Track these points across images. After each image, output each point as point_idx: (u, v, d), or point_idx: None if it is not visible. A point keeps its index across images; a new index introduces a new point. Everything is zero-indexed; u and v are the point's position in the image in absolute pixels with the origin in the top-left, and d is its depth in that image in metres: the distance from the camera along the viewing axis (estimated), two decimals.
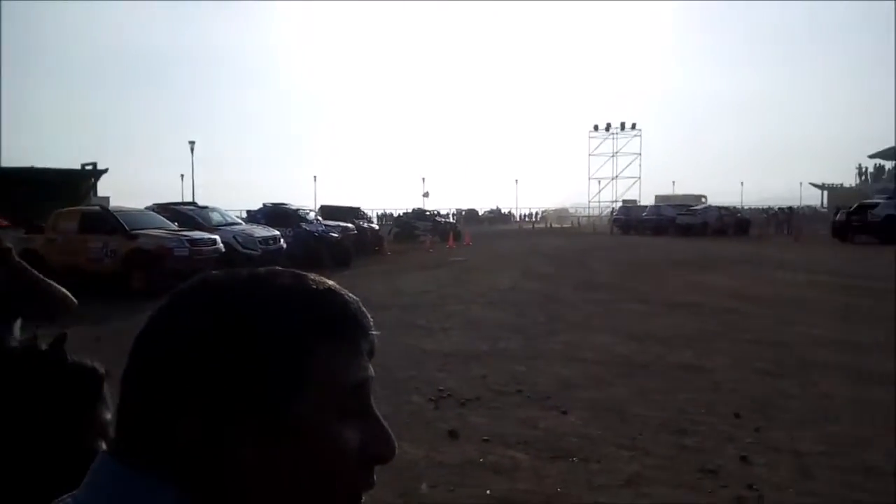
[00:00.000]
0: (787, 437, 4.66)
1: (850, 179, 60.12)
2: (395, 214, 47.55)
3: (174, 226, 14.22)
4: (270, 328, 0.51)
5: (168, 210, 16.50)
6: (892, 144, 56.55)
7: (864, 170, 59.35)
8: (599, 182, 69.07)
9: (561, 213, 76.11)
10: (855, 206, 28.87)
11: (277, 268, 0.58)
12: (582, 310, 10.60)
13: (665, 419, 5.08)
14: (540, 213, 75.06)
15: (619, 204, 54.42)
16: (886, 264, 18.30)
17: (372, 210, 58.92)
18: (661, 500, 3.74)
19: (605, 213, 59.32)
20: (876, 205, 27.65)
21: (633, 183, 67.57)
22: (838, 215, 29.52)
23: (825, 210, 46.18)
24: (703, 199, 68.51)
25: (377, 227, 29.04)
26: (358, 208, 28.73)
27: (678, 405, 5.42)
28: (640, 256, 22.58)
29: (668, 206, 42.23)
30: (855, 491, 3.80)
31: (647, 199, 56.78)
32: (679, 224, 36.37)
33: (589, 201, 70.04)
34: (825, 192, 60.32)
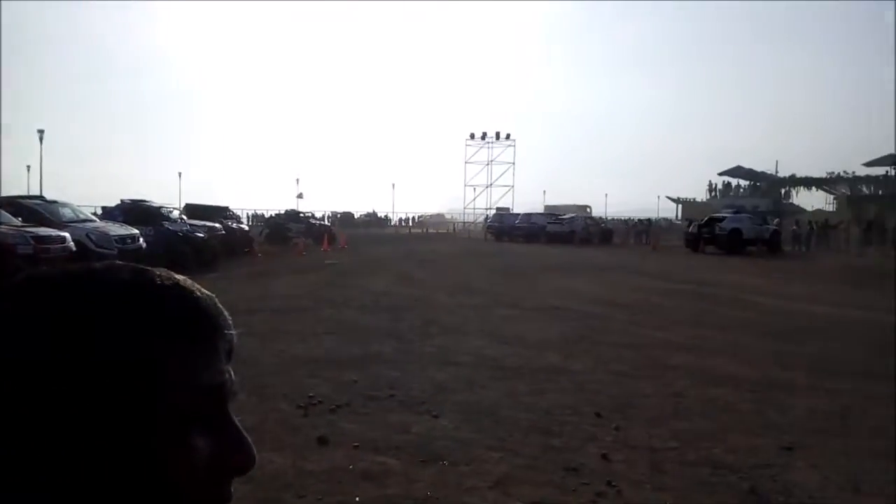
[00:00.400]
0: (643, 435, 4.92)
1: (701, 194, 65.20)
2: (267, 215, 46.24)
3: (17, 221, 13.04)
4: (108, 329, 0.45)
5: (12, 204, 15.09)
6: (738, 164, 62.07)
7: (713, 186, 64.55)
8: (475, 189, 70.65)
9: (437, 219, 77.06)
10: (705, 219, 31.35)
11: (117, 262, 0.51)
12: (456, 314, 10.73)
13: (533, 420, 5.22)
14: (417, 217, 75.65)
15: (493, 211, 55.90)
16: (732, 273, 20.01)
17: (242, 210, 56.80)
18: (527, 499, 3.82)
19: (479, 219, 60.70)
20: (723, 218, 30.18)
21: (507, 191, 69.68)
22: (690, 227, 31.95)
23: (679, 222, 49.73)
24: (588, 209, 72.18)
25: (247, 228, 28.10)
26: (226, 208, 27.62)
27: (545, 406, 5.60)
28: (512, 262, 23.27)
29: (539, 214, 43.88)
30: (703, 484, 4.07)
31: (520, 208, 58.60)
32: (549, 232, 37.91)
33: (465, 208, 71.47)
34: (679, 206, 65.09)
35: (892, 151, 56.38)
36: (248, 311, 9.73)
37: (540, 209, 54.54)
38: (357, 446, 4.54)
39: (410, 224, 70.63)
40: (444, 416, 5.28)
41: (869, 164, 57.21)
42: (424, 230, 59.85)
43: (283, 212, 38.13)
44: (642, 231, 41.74)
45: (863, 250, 30.97)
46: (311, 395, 5.70)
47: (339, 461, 4.29)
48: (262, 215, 52.78)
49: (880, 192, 56.01)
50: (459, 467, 4.25)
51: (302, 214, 35.81)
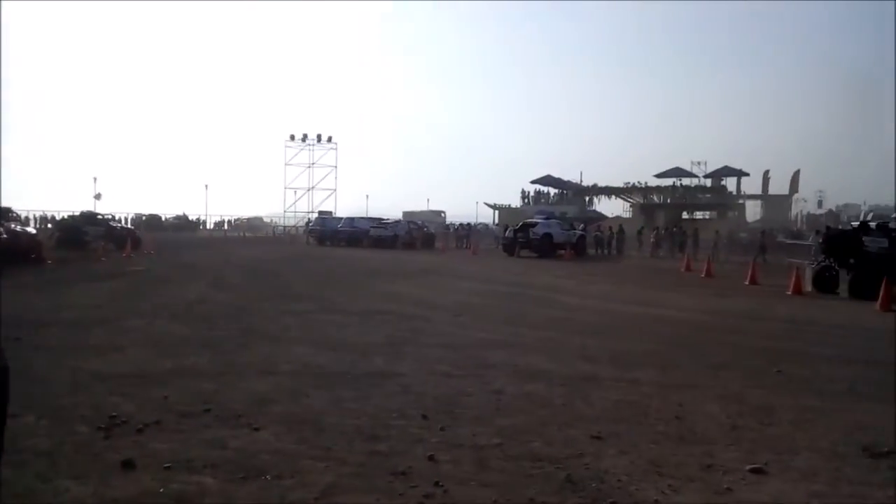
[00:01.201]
0: (468, 434, 5.02)
1: (516, 201, 68.84)
2: (59, 217, 41.78)
3: None
4: None
5: None
6: (548, 174, 66.40)
7: (526, 194, 68.46)
8: (296, 192, 69.05)
9: (256, 222, 74.14)
10: (520, 224, 33.13)
11: None
12: (277, 321, 10.34)
13: (359, 426, 5.13)
14: (233, 220, 72.29)
15: (315, 215, 54.94)
16: (544, 275, 21.26)
17: (28, 212, 51.01)
18: None
19: (301, 223, 59.33)
20: (536, 224, 32.08)
21: (329, 195, 68.89)
22: (507, 232, 33.59)
23: (496, 227, 52.03)
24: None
25: (34, 232, 25.12)
26: (8, 209, 24.52)
27: (371, 411, 5.53)
28: (334, 267, 22.99)
29: (362, 218, 43.77)
30: (525, 477, 4.22)
31: (343, 211, 58.20)
32: (372, 236, 37.95)
33: (285, 211, 69.52)
34: (496, 212, 68.28)
35: (678, 166, 63.80)
36: (38, 323, 8.66)
37: (364, 213, 54.48)
38: (168, 467, 4.17)
39: (226, 228, 67.36)
40: (266, 428, 5.03)
41: (659, 176, 64.05)
42: (242, 234, 57.40)
43: (77, 214, 34.53)
44: (463, 236, 43.17)
45: (655, 252, 34.43)
46: (113, 414, 5.17)
47: (148, 485, 3.91)
48: (53, 217, 47.58)
49: (668, 201, 62.92)
50: (283, 481, 4.06)
51: (100, 216, 32.63)
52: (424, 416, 5.40)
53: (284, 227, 63.10)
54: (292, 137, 67.51)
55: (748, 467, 4.47)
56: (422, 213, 70.97)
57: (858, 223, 19.89)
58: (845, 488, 4.20)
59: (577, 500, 3.93)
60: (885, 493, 4.12)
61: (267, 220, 75.86)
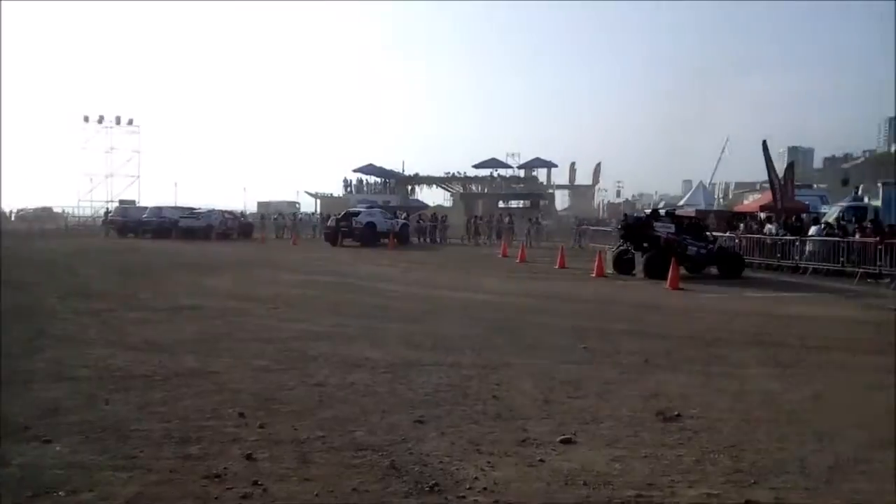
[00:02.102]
0: (289, 429, 4.85)
1: (338, 190, 68.09)
2: None
3: None
4: None
5: None
6: (370, 163, 66.38)
7: (349, 182, 67.96)
8: (92, 179, 63.07)
9: (44, 213, 66.59)
10: (343, 213, 32.80)
11: None
12: (72, 322, 9.35)
13: (168, 430, 4.75)
14: (16, 211, 64.50)
15: (115, 204, 50.53)
16: (368, 264, 21.24)
17: None
18: None
19: (99, 213, 54.27)
20: (359, 213, 31.93)
21: (133, 182, 63.72)
22: (329, 221, 33.08)
23: (316, 216, 50.99)
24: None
25: None
26: None
27: (182, 413, 5.16)
28: (139, 261, 21.32)
29: (171, 208, 40.96)
30: (348, 467, 4.15)
31: (148, 200, 54.13)
32: (182, 227, 35.66)
33: (79, 200, 63.28)
34: (318, 200, 67.12)
35: (495, 157, 66.68)
36: None
37: (173, 202, 50.98)
38: None
39: (12, 219, 59.94)
40: (58, 440, 4.50)
41: (477, 167, 66.59)
42: (28, 226, 51.37)
43: None
44: (283, 226, 41.89)
45: (475, 240, 35.73)
46: None
47: None
48: None
49: (486, 191, 65.66)
50: (80, 496, 3.66)
51: None
52: (241, 415, 5.14)
53: (79, 217, 57.40)
54: (86, 119, 61.56)
55: (559, 438, 4.74)
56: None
57: (650, 211, 22.07)
58: (642, 450, 4.59)
59: (401, 485, 3.93)
60: (675, 452, 4.56)
61: (58, 210, 68.43)
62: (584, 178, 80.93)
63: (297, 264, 20.76)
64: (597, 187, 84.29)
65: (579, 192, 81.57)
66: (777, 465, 4.37)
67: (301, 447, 4.49)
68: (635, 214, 23.59)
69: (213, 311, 10.54)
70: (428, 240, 36.12)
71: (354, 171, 66.19)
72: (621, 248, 19.02)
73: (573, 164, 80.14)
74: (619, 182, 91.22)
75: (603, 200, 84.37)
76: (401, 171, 69.58)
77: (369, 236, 30.45)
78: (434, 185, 69.58)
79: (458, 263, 22.63)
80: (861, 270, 17.28)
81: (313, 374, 6.48)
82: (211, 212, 39.46)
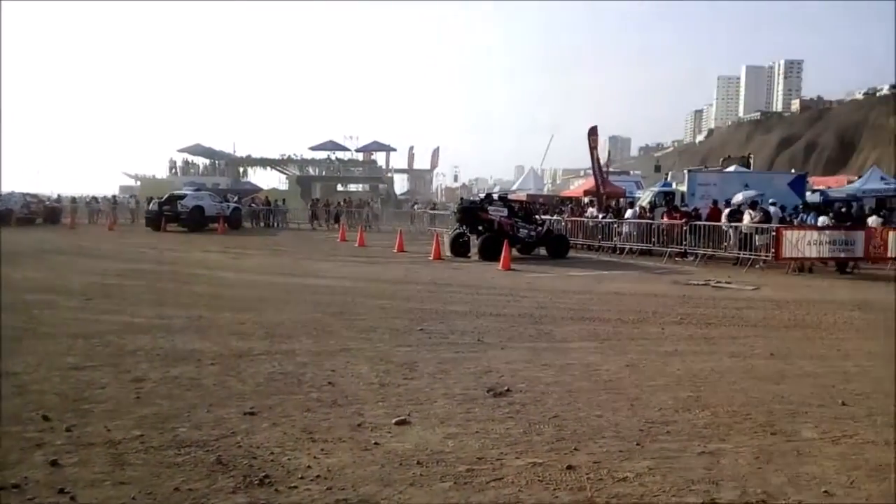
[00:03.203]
0: (101, 430, 4.44)
1: (162, 171, 63.60)
2: None
3: None
4: None
5: None
6: (198, 143, 62.60)
7: (174, 164, 63.70)
8: None
9: None
10: (166, 196, 30.64)
11: None
12: None
13: None
14: None
15: None
16: (195, 250, 20.10)
17: None
18: None
19: None
20: (185, 196, 30.00)
21: None
22: (150, 205, 30.79)
23: (129, 199, 47.13)
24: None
25: None
26: None
27: None
28: None
29: None
30: (169, 466, 3.88)
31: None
32: None
33: None
34: (139, 183, 62.38)
35: (332, 139, 65.54)
36: None
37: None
38: None
39: None
40: None
41: (314, 149, 65.06)
42: None
43: None
44: (97, 210, 38.42)
45: (313, 225, 35.02)
46: None
47: None
48: None
49: (323, 174, 64.46)
50: None
51: None
52: (46, 418, 4.64)
53: None
54: None
55: (394, 420, 4.76)
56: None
57: (485, 195, 22.87)
58: (474, 426, 4.72)
59: (228, 480, 3.74)
60: (504, 426, 4.73)
61: None
62: (422, 163, 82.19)
63: (114, 252, 19.20)
64: (435, 171, 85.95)
65: (418, 176, 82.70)
66: (595, 431, 4.68)
67: (115, 449, 4.13)
68: (471, 199, 24.32)
69: (10, 305, 9.42)
70: (262, 224, 34.87)
71: (180, 151, 62.25)
72: (458, 231, 19.52)
73: (412, 147, 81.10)
74: (456, 167, 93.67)
75: (441, 184, 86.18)
76: (231, 152, 66.53)
77: (196, 221, 28.77)
78: (268, 168, 67.31)
79: (295, 249, 22.09)
80: (669, 250, 19.06)
81: (131, 370, 6.00)
82: (11, 195, 35.36)
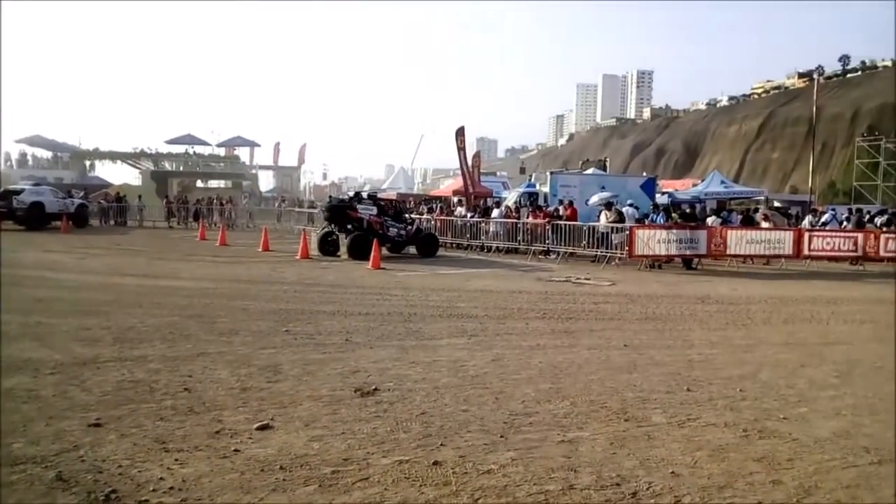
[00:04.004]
0: None
1: None
2: None
3: None
4: None
5: None
6: (38, 133, 57.40)
7: (9, 156, 58.02)
8: None
9: None
10: (0, 191, 27.80)
11: None
12: None
13: None
14: None
15: None
16: (33, 250, 18.39)
17: None
18: None
19: None
20: (22, 191, 27.37)
21: None
22: None
23: None
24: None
25: None
26: None
27: None
28: None
29: None
30: (4, 486, 3.49)
31: None
32: None
33: None
34: None
35: (191, 133, 62.20)
36: None
37: None
38: None
39: None
40: None
41: (170, 142, 61.48)
42: None
43: None
44: None
45: (170, 223, 33.12)
46: None
47: None
48: None
49: (181, 169, 61.00)
50: None
51: None
52: None
53: None
54: None
55: (256, 425, 4.57)
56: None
57: (354, 193, 22.63)
58: (340, 427, 4.63)
59: (70, 497, 3.44)
60: (371, 426, 4.68)
61: None
62: (289, 160, 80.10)
63: None
64: (303, 169, 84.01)
65: (285, 173, 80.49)
66: (461, 426, 4.73)
67: None
68: (340, 197, 24.01)
69: None
70: (113, 222, 32.53)
71: (17, 142, 56.80)
72: (326, 230, 19.19)
73: (278, 144, 78.76)
74: (325, 164, 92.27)
75: (309, 182, 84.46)
76: (76, 145, 61.64)
77: (35, 218, 26.28)
78: (119, 161, 62.88)
79: (149, 248, 20.79)
80: (533, 248, 19.78)
81: None
82: None
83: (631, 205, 20.22)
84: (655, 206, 22.45)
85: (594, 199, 21.42)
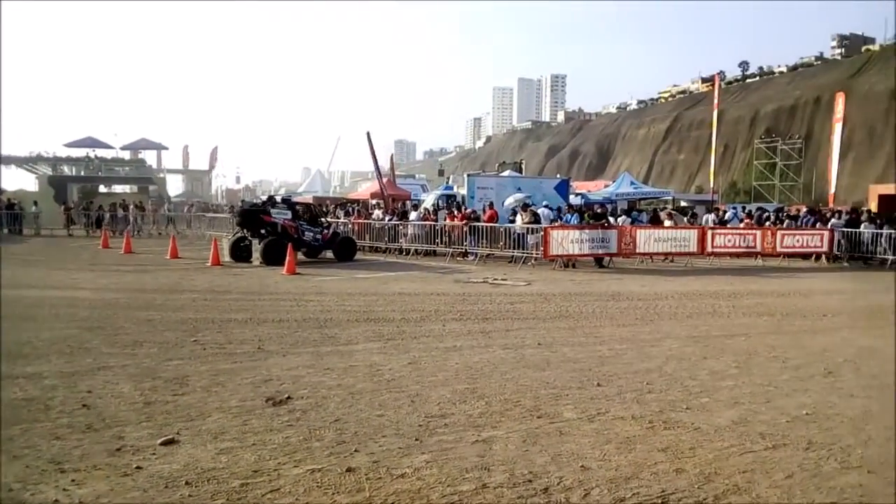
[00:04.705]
0: None
1: None
2: None
3: None
4: None
5: None
6: None
7: None
8: None
9: None
10: None
11: None
12: None
13: None
14: None
15: None
16: None
17: None
18: None
19: None
20: None
21: None
22: None
23: None
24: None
25: None
26: None
27: None
28: None
29: None
30: None
31: None
32: None
33: None
34: None
35: (91, 135, 59.15)
36: None
37: None
38: None
39: None
40: None
41: (70, 146, 58.33)
42: None
43: None
44: None
45: (69, 230, 31.37)
46: None
47: None
48: None
49: (82, 173, 57.94)
50: None
51: None
52: None
53: None
54: None
55: (160, 441, 4.38)
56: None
57: (267, 197, 22.12)
58: (251, 439, 4.50)
59: None
60: (283, 435, 4.57)
61: None
62: (200, 163, 77.57)
63: None
64: (214, 172, 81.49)
65: (195, 178, 77.88)
66: (376, 431, 4.69)
67: None
68: (253, 201, 23.44)
69: None
70: (6, 231, 30.52)
71: None
72: (238, 235, 18.67)
73: (186, 146, 76.27)
74: (238, 168, 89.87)
75: (221, 186, 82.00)
76: None
77: None
78: (13, 166, 59.23)
79: (47, 258, 19.67)
80: (452, 250, 19.90)
81: None
82: None
83: (546, 206, 20.67)
84: (569, 206, 23.05)
85: (510, 200, 21.79)
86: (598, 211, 21.74)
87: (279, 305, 10.60)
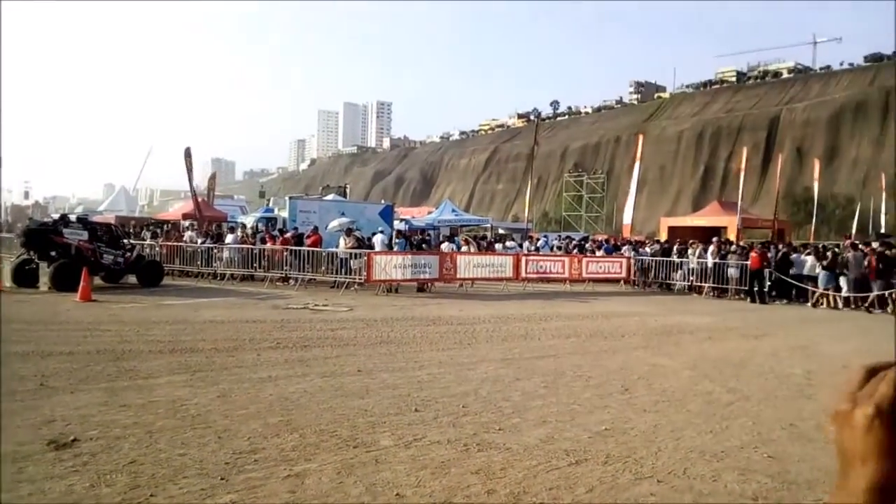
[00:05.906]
0: None
1: None
2: None
3: None
4: None
5: None
6: None
7: None
8: None
9: None
10: None
11: None
12: None
13: None
14: None
15: None
16: None
17: None
18: None
19: None
20: None
21: None
22: None
23: None
24: None
25: None
26: None
27: None
28: None
29: None
30: None
31: None
32: None
33: None
34: None
35: None
36: None
37: None
38: None
39: None
40: None
41: None
42: None
43: None
44: None
45: None
46: None
47: None
48: None
49: None
50: None
51: None
52: None
53: None
54: None
55: None
56: None
57: (59, 216, 19.97)
58: (26, 488, 3.93)
59: None
60: (66, 483, 4.04)
61: None
62: None
63: None
64: None
65: None
66: (176, 472, 4.30)
67: None
68: (42, 219, 21.15)
69: None
70: None
71: None
72: (23, 257, 16.64)
73: None
74: (27, 182, 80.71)
75: (7, 202, 73.13)
76: None
77: None
78: None
79: None
80: (271, 274, 19.22)
81: None
82: None
83: (381, 231, 20.71)
84: (399, 233, 23.29)
85: (333, 223, 21.55)
86: (420, 237, 22.20)
87: (69, 336, 9.53)
